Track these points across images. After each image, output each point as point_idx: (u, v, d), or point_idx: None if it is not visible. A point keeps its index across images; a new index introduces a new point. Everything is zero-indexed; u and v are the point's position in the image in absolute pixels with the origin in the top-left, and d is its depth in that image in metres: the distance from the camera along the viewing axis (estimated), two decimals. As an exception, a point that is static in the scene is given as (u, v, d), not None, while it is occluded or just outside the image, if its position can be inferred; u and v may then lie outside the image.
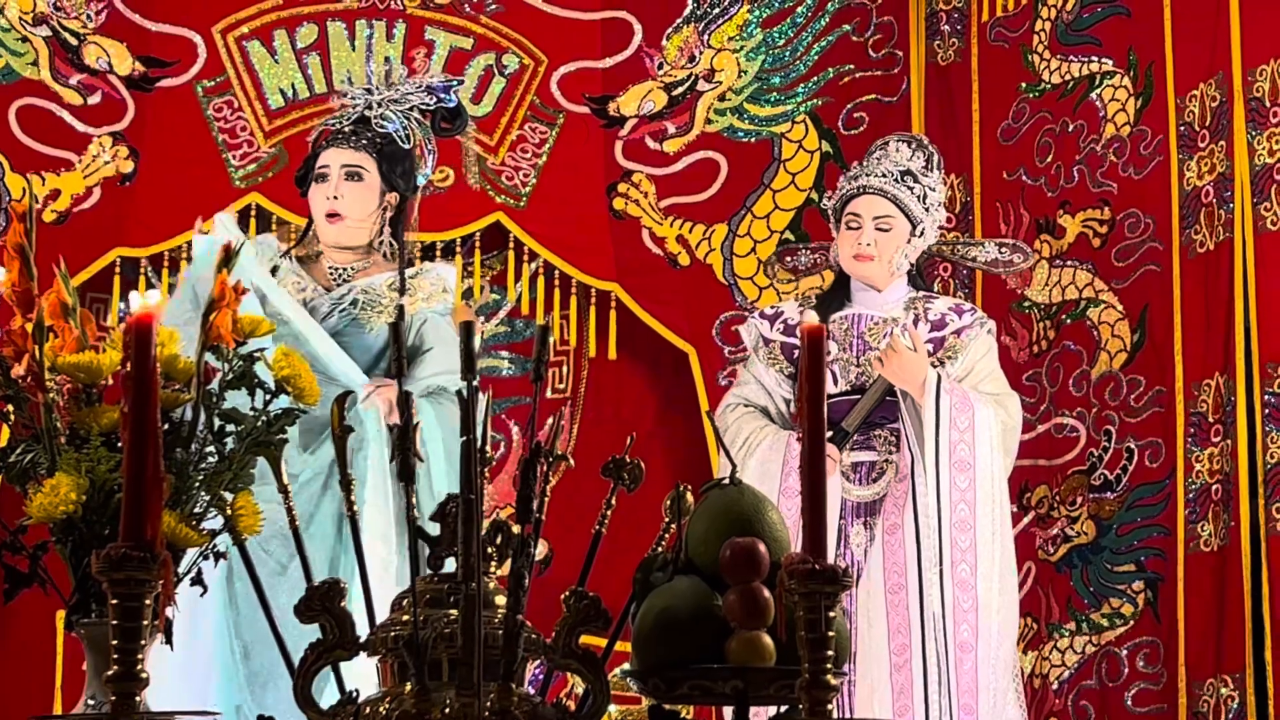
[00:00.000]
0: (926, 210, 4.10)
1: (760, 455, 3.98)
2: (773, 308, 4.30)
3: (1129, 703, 4.37)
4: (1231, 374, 4.22)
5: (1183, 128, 4.44)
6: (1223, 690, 4.13)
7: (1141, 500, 4.43)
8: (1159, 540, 4.37)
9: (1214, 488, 4.23)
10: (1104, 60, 4.70)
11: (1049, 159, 4.80)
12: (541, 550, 1.82)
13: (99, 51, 4.82)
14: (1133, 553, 4.43)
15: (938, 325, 4.06)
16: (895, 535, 3.87)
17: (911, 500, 3.85)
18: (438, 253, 4.87)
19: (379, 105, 3.94)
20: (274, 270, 3.91)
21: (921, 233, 4.11)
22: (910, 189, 4.09)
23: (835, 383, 4.04)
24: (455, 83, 4.16)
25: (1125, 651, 4.41)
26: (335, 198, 3.89)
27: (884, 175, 4.10)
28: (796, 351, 4.06)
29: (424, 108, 3.97)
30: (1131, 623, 4.41)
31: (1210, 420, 4.27)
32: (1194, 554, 4.26)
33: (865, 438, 4.00)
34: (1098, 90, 4.70)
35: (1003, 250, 4.34)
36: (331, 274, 3.96)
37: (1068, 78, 4.79)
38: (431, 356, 3.84)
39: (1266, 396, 4.11)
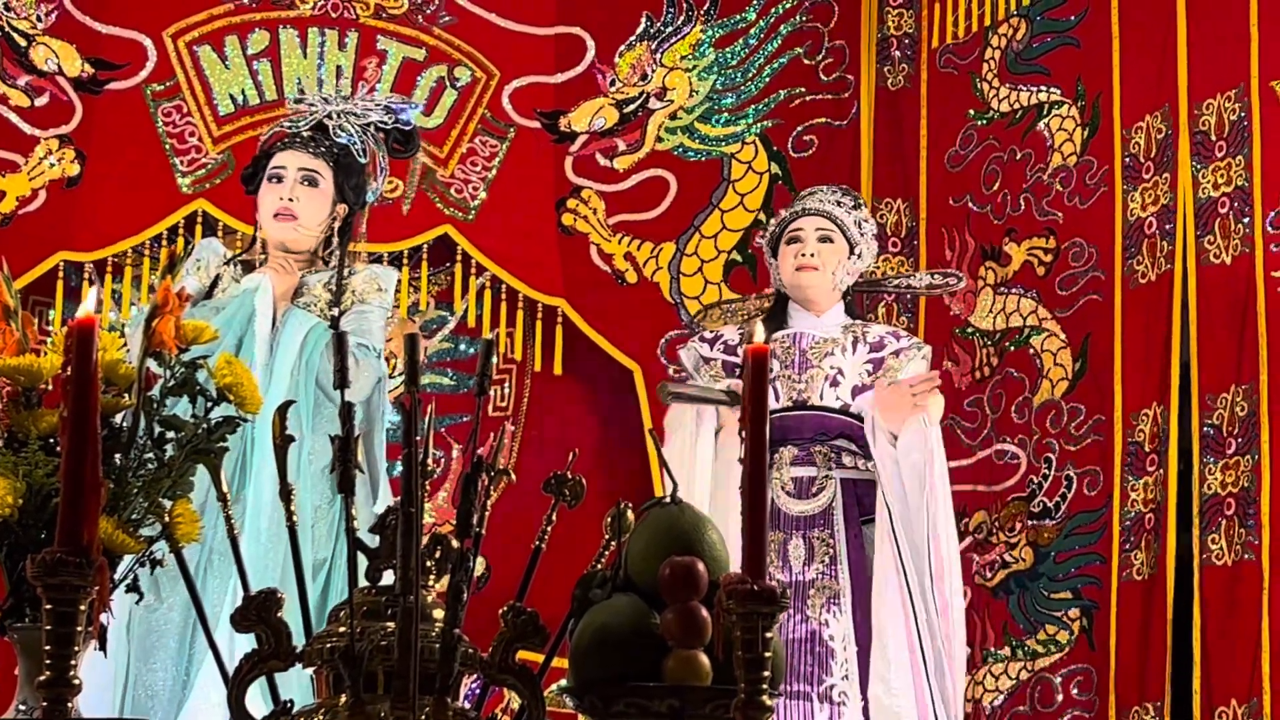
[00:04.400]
0: (862, 235, 4.18)
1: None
2: (711, 332, 4.33)
3: None
4: (1167, 403, 4.27)
5: (1128, 159, 4.49)
6: (1145, 718, 4.18)
7: (1079, 528, 4.47)
8: (1095, 568, 4.41)
9: (1147, 517, 4.28)
10: (1052, 90, 4.75)
11: (995, 186, 4.83)
12: (479, 568, 1.82)
13: (48, 52, 4.79)
14: (1070, 580, 4.46)
15: (876, 347, 4.12)
16: (887, 545, 3.91)
17: (890, 528, 3.90)
18: (385, 263, 4.85)
19: (338, 116, 3.94)
20: (217, 278, 3.90)
21: (859, 255, 4.18)
22: (848, 213, 4.17)
23: (777, 399, 4.08)
24: (414, 105, 4.16)
25: (1059, 679, 4.44)
26: (291, 199, 3.88)
27: (821, 200, 4.19)
28: (738, 369, 4.09)
29: (381, 125, 3.97)
30: (1067, 650, 4.45)
31: (1147, 450, 4.31)
32: (1126, 582, 4.30)
33: (806, 454, 4.04)
34: (1046, 119, 4.74)
35: (936, 276, 4.41)
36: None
37: (1016, 106, 4.83)
38: (344, 319, 3.86)
39: (1205, 428, 4.15)
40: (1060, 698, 4.41)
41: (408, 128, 4.03)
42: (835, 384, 4.08)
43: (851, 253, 4.17)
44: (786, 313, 4.21)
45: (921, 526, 3.89)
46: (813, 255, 4.13)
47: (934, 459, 3.94)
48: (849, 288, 4.20)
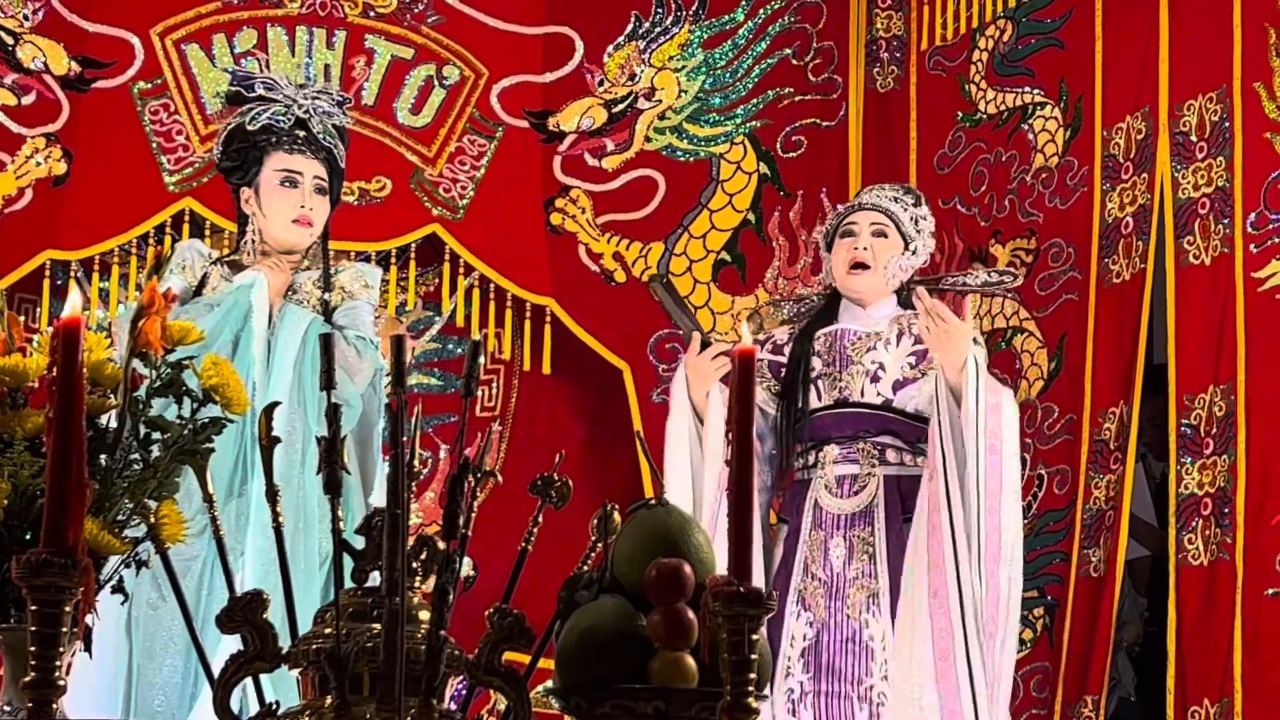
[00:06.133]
0: (919, 232, 4.15)
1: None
2: (764, 333, 4.32)
3: None
4: (1131, 402, 4.28)
5: (1107, 159, 4.50)
6: (1084, 711, 4.20)
7: (1047, 527, 4.48)
8: (1058, 566, 4.43)
9: (1108, 514, 4.30)
10: (1036, 91, 4.76)
11: (983, 188, 4.84)
12: (466, 569, 1.82)
13: (35, 51, 4.78)
14: (1037, 579, 4.48)
15: (920, 339, 4.06)
16: (935, 537, 3.84)
17: (945, 499, 3.83)
18: (373, 263, 4.85)
19: (314, 113, 3.92)
20: (204, 278, 3.89)
21: (914, 251, 4.14)
22: (904, 209, 4.15)
23: (819, 398, 4.06)
24: (347, 99, 4.15)
25: (1021, 676, 4.45)
26: (311, 208, 3.89)
27: (878, 196, 4.17)
28: (784, 369, 4.10)
29: (338, 125, 3.98)
30: (1030, 648, 4.46)
31: (1111, 448, 4.33)
32: (1083, 579, 4.32)
33: (849, 451, 4.02)
34: (1030, 121, 4.75)
35: (992, 274, 4.35)
36: None
37: (1003, 108, 4.84)
38: (350, 315, 3.87)
39: (1182, 427, 4.16)
40: (1021, 694, 4.42)
41: (347, 123, 4.06)
42: (876, 379, 4.04)
43: (906, 249, 4.14)
44: (836, 310, 4.19)
45: (973, 495, 3.83)
46: (865, 249, 4.10)
47: (991, 416, 3.85)
48: (904, 284, 4.16)
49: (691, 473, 4.02)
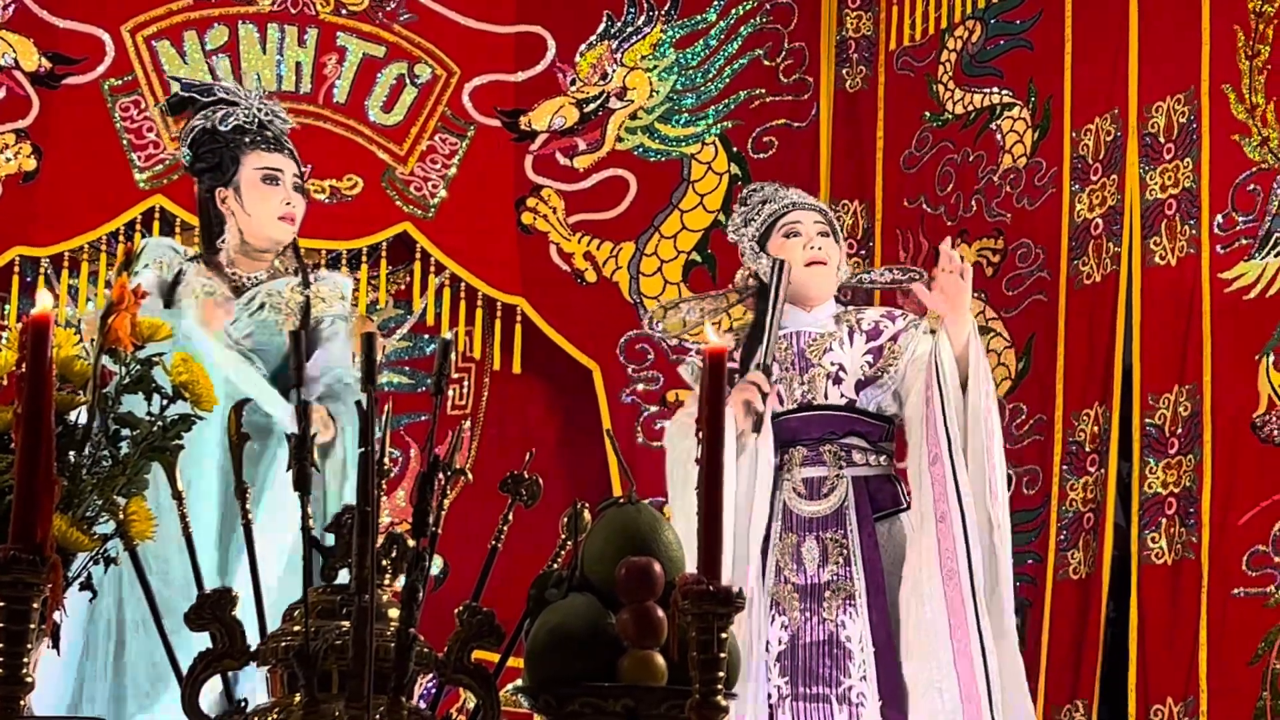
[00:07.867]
0: (841, 234, 4.13)
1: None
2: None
3: None
4: (1109, 404, 4.29)
5: (1076, 160, 4.52)
6: (1076, 716, 4.20)
7: (1017, 527, 4.46)
8: (1031, 567, 4.43)
9: (1086, 516, 4.30)
10: (1004, 92, 4.77)
11: (949, 188, 4.86)
12: (438, 565, 1.82)
13: (4, 47, 4.76)
14: None
15: (873, 335, 4.03)
16: (945, 522, 3.81)
17: (953, 480, 3.79)
18: (344, 261, 4.85)
19: (274, 117, 3.91)
20: (179, 275, 3.87)
21: (843, 254, 4.13)
22: (830, 211, 4.13)
23: (782, 403, 4.03)
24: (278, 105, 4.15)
25: None
26: (294, 204, 3.88)
27: (805, 196, 4.13)
28: (737, 376, 4.07)
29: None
30: None
31: (1087, 449, 4.34)
32: (1062, 581, 4.32)
33: (815, 454, 4.00)
34: (997, 121, 4.77)
35: (896, 271, 4.32)
36: (234, 280, 3.92)
37: (970, 108, 4.86)
38: (332, 350, 3.84)
39: (1147, 427, 4.18)
40: None
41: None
42: (838, 381, 4.01)
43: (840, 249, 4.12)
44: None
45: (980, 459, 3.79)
46: (819, 249, 4.04)
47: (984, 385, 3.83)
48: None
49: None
